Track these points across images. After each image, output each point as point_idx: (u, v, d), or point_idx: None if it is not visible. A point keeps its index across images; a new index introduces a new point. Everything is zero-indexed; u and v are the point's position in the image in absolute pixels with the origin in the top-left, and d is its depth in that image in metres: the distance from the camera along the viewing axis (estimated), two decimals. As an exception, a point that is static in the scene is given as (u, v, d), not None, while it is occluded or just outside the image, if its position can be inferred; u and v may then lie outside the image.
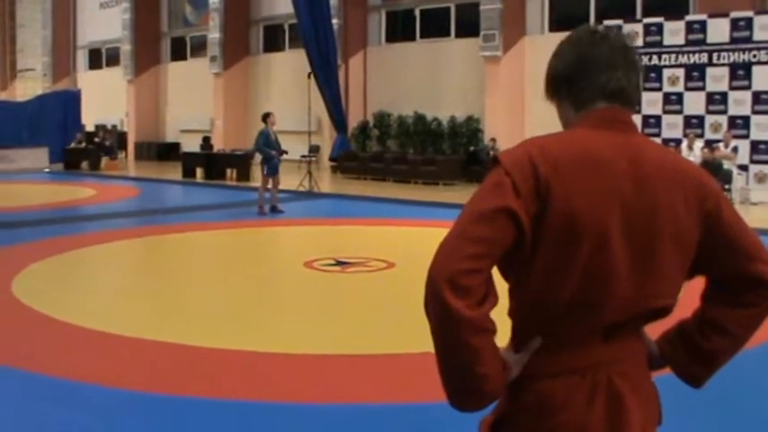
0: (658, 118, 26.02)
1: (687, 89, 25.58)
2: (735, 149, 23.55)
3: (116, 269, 15.38)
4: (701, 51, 25.30)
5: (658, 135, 25.41)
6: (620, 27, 26.39)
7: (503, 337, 2.62)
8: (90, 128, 44.70)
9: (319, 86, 33.53)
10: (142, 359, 8.97)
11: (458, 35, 34.58)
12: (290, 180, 26.65)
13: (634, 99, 2.75)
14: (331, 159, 35.55)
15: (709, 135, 24.89)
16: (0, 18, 60.84)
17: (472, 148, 31.72)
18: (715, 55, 25.02)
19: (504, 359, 2.59)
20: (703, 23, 25.27)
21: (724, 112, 24.88)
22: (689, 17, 26.23)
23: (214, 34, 41.98)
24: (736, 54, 24.64)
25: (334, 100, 34.88)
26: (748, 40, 24.38)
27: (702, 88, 25.29)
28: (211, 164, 33.52)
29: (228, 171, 33.07)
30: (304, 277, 13.73)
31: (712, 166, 21.55)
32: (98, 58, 53.64)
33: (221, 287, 13.18)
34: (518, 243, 2.51)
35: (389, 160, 32.40)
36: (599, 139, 2.62)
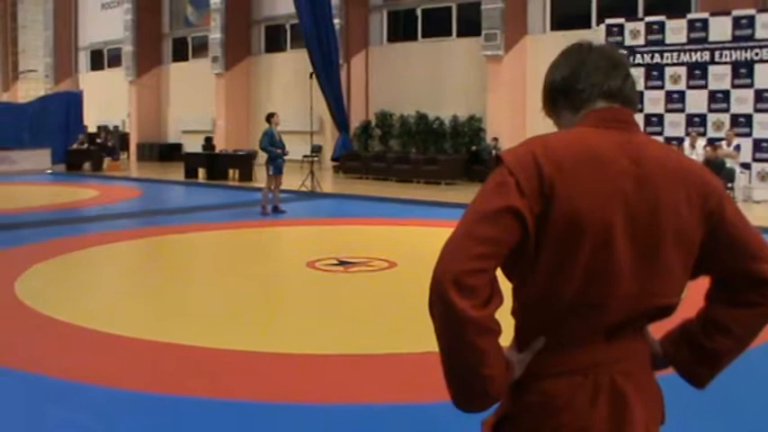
0: (660, 116, 26.00)
1: (689, 87, 25.57)
2: (737, 148, 23.54)
3: (118, 270, 15.39)
4: (703, 49, 25.28)
5: (661, 133, 25.40)
6: (621, 26, 26.48)
7: (506, 337, 2.61)
8: (92, 129, 44.73)
9: (321, 86, 33.52)
10: (144, 359, 8.97)
11: (459, 35, 34.60)
12: (292, 180, 26.63)
13: (632, 98, 2.78)
14: (333, 159, 35.55)
15: (711, 133, 24.88)
16: (2, 19, 60.86)
17: (474, 148, 31.72)
18: (717, 53, 25.01)
19: (507, 359, 2.58)
20: (705, 21, 25.26)
21: (726, 110, 24.87)
22: (691, 15, 26.23)
23: (215, 35, 41.98)
24: (738, 52, 24.62)
25: (336, 100, 34.88)
26: (750, 38, 24.37)
27: (705, 86, 25.28)
28: (213, 164, 33.52)
29: (231, 171, 33.05)
30: (307, 277, 13.73)
31: (715, 165, 21.53)
32: (100, 59, 53.67)
33: (224, 287, 13.18)
34: (522, 242, 2.51)
35: (391, 160, 32.40)
36: (601, 138, 2.63)
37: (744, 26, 24.47)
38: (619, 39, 26.57)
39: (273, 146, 21.80)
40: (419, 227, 19.41)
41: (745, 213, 2.80)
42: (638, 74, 25.70)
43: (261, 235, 19.25)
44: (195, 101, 44.83)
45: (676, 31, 25.77)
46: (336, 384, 8.12)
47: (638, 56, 26.33)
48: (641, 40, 26.38)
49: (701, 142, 23.94)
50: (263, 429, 7.00)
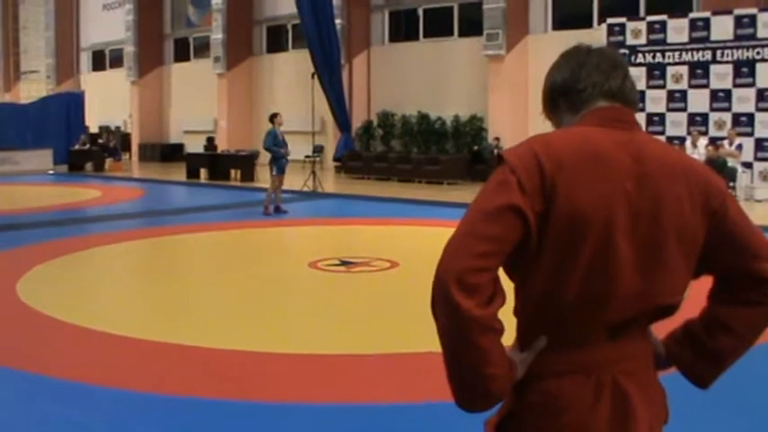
0: (662, 116, 26.00)
1: (691, 87, 25.56)
2: (739, 147, 23.54)
3: (121, 270, 15.39)
4: (704, 49, 25.28)
5: (662, 133, 25.39)
6: (623, 25, 26.48)
7: (509, 337, 2.62)
8: (94, 129, 44.79)
9: (323, 86, 33.53)
10: (150, 360, 8.97)
11: (461, 34, 34.61)
12: (294, 180, 26.64)
13: (633, 98, 2.79)
14: (335, 159, 35.56)
15: (713, 132, 24.87)
16: (3, 20, 60.91)
17: (476, 148, 31.72)
18: (719, 52, 25.00)
19: (510, 359, 2.59)
20: (707, 21, 25.25)
21: (728, 109, 24.86)
22: (692, 14, 26.22)
23: (217, 35, 41.97)
24: (740, 51, 24.62)
25: (338, 100, 34.86)
26: (752, 37, 24.36)
27: (706, 86, 25.27)
28: (215, 164, 33.55)
29: (233, 172, 33.07)
30: (309, 277, 13.74)
31: (716, 164, 21.54)
32: (101, 60, 53.71)
33: (226, 288, 13.19)
34: (524, 241, 2.51)
35: (393, 160, 32.40)
36: (602, 137, 2.63)
37: (745, 25, 24.46)
38: (620, 38, 26.57)
39: (277, 146, 21.80)
40: (421, 227, 19.40)
41: (747, 213, 2.80)
42: (639, 73, 25.73)
43: (263, 235, 19.25)
44: (197, 101, 44.83)
45: (678, 30, 25.77)
46: (338, 384, 8.12)
47: (640, 55, 26.33)
48: (643, 40, 26.38)
49: (703, 141, 23.94)
50: (267, 429, 7.00)
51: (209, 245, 17.97)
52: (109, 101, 49.21)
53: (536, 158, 2.54)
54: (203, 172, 33.87)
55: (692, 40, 25.48)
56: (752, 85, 24.43)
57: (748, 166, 24.10)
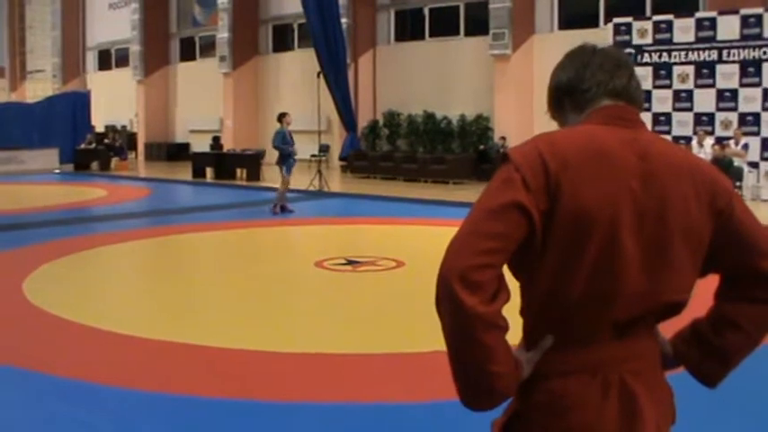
0: (668, 115, 25.98)
1: (697, 86, 25.54)
2: (745, 146, 23.51)
3: (127, 269, 15.41)
4: (710, 48, 25.25)
5: (668, 132, 25.38)
6: (629, 24, 26.47)
7: (514, 337, 2.61)
8: (100, 128, 44.82)
9: (329, 86, 33.53)
10: (156, 360, 8.98)
11: (467, 34, 34.60)
12: (300, 179, 26.64)
13: (638, 97, 2.80)
14: (341, 158, 35.56)
15: (719, 132, 24.84)
16: (9, 20, 61.00)
17: (482, 147, 31.73)
18: (725, 52, 24.97)
19: (516, 358, 2.59)
20: (713, 20, 25.22)
21: (734, 109, 24.83)
22: (699, 14, 26.20)
23: (223, 34, 41.99)
24: (747, 51, 24.59)
25: (344, 99, 34.87)
26: (758, 36, 24.32)
27: (712, 85, 25.24)
28: (221, 164, 33.58)
29: (238, 171, 33.12)
30: (315, 277, 13.74)
31: (723, 164, 21.50)
32: (107, 59, 53.76)
33: (232, 287, 13.20)
34: (529, 238, 2.51)
35: (399, 159, 32.39)
36: (607, 135, 2.64)
37: (752, 25, 24.43)
38: (626, 38, 26.56)
39: (286, 145, 21.82)
40: (427, 226, 19.40)
41: (754, 212, 2.80)
42: (645, 73, 25.72)
43: (269, 234, 19.25)
44: (203, 100, 44.86)
45: (684, 30, 25.74)
46: (344, 383, 8.12)
47: (646, 55, 26.31)
48: (649, 39, 26.35)
49: (709, 141, 23.92)
50: (272, 428, 7.00)
51: (214, 244, 17.97)
52: (115, 100, 49.25)
53: (541, 157, 2.54)
54: (209, 171, 33.90)
55: (698, 40, 25.45)
56: (758, 84, 24.40)
57: (754, 165, 24.07)
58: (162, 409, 7.52)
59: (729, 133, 24.28)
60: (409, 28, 37.07)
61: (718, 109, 25.13)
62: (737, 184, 22.05)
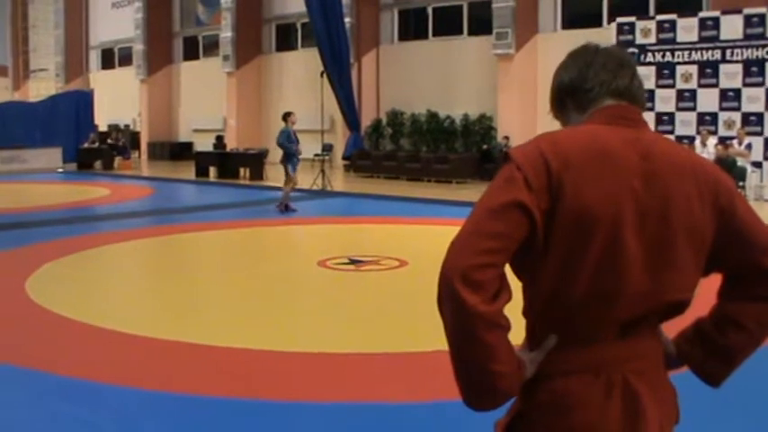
0: (671, 115, 25.98)
1: (700, 86, 25.54)
2: (748, 146, 23.51)
3: (130, 268, 15.42)
4: (714, 48, 25.25)
5: (672, 132, 25.38)
6: (632, 24, 26.47)
7: (517, 337, 2.61)
8: (103, 128, 44.84)
9: (332, 85, 33.52)
10: (159, 359, 8.98)
11: (470, 33, 34.61)
12: (303, 179, 26.60)
13: (640, 97, 2.80)
14: (344, 158, 35.57)
15: (722, 132, 24.85)
16: (12, 18, 60.99)
17: (485, 147, 31.73)
18: (728, 52, 24.97)
19: (519, 358, 2.58)
20: (716, 20, 25.22)
21: (737, 108, 24.84)
22: (702, 14, 26.20)
23: (226, 33, 42.00)
24: (750, 51, 24.58)
25: (347, 98, 34.86)
26: (762, 36, 24.32)
27: (716, 85, 25.25)
28: (224, 163, 33.61)
29: (242, 170, 33.11)
30: (318, 276, 13.74)
31: (726, 163, 21.51)
32: (110, 58, 53.76)
33: (235, 286, 13.20)
34: (531, 238, 2.51)
35: (402, 159, 32.41)
36: (610, 135, 2.64)
37: (755, 24, 24.43)
38: (630, 37, 26.57)
39: (290, 143, 21.83)
40: (430, 226, 19.40)
41: (757, 212, 2.80)
42: (648, 72, 25.74)
43: (272, 234, 19.26)
44: (206, 99, 44.87)
45: (687, 29, 25.75)
46: (347, 383, 8.12)
47: (649, 54, 26.31)
48: (652, 39, 26.36)
49: (713, 141, 23.93)
50: (275, 427, 7.00)
51: (218, 243, 17.97)
52: (118, 99, 49.28)
53: (543, 156, 2.54)
54: (212, 170, 33.90)
55: (701, 40, 25.46)
56: (761, 84, 24.40)
57: (758, 165, 24.06)
58: (164, 409, 7.53)
59: (732, 133, 24.29)
60: (412, 27, 37.07)
61: (722, 109, 25.14)
62: (741, 183, 22.03)
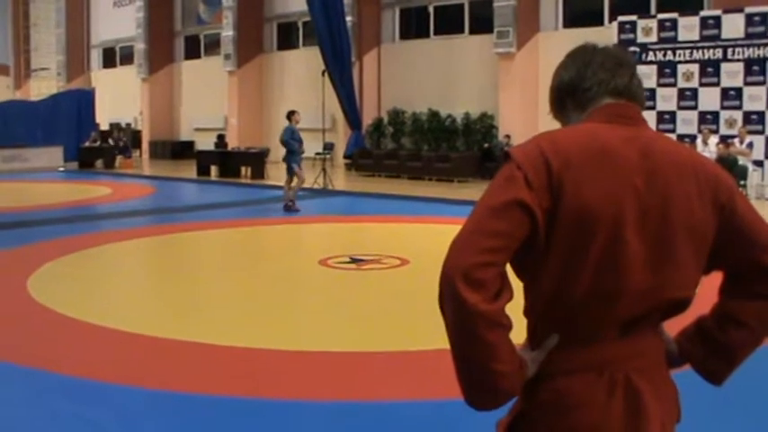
0: (673, 114, 25.97)
1: (702, 85, 25.54)
2: (750, 145, 23.49)
3: (132, 267, 15.42)
4: (715, 47, 25.25)
5: (673, 131, 25.37)
6: (634, 23, 26.47)
7: (518, 336, 2.61)
8: (104, 127, 44.84)
9: (333, 84, 33.55)
10: (160, 357, 8.99)
11: (472, 32, 34.58)
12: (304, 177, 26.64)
13: (639, 96, 2.80)
14: (345, 157, 35.58)
15: (723, 131, 24.84)
16: (14, 17, 61.00)
17: (486, 145, 31.72)
18: (730, 50, 24.97)
19: (520, 357, 2.58)
20: (718, 19, 25.21)
21: (739, 107, 24.83)
22: (703, 12, 26.20)
23: (228, 32, 41.99)
24: (751, 49, 24.58)
25: (349, 97, 34.86)
26: (763, 35, 24.31)
27: (717, 84, 25.24)
28: (226, 162, 33.63)
29: (243, 169, 33.15)
30: (319, 275, 13.74)
31: (727, 162, 21.50)
32: (112, 57, 53.75)
33: (236, 285, 13.20)
34: (532, 237, 2.51)
35: (404, 157, 32.42)
36: (609, 133, 2.64)
37: (756, 23, 24.42)
38: (631, 36, 26.56)
39: (294, 141, 21.85)
40: (431, 224, 19.41)
41: (758, 211, 2.80)
42: (650, 71, 25.75)
43: (273, 232, 19.27)
44: (207, 98, 44.87)
45: (689, 28, 25.74)
46: (348, 382, 8.12)
47: (651, 53, 26.31)
48: (654, 38, 26.36)
49: (714, 139, 23.93)
50: (276, 426, 7.00)
51: (219, 242, 17.97)
52: (119, 98, 49.29)
53: (543, 155, 2.54)
54: (214, 169, 33.93)
55: (702, 38, 25.45)
56: (763, 83, 24.39)
57: (759, 164, 24.06)
58: (166, 407, 7.53)
59: (734, 132, 24.29)
60: (414, 26, 37.05)
61: (723, 107, 25.13)
62: (742, 182, 22.03)
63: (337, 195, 26.65)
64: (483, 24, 33.05)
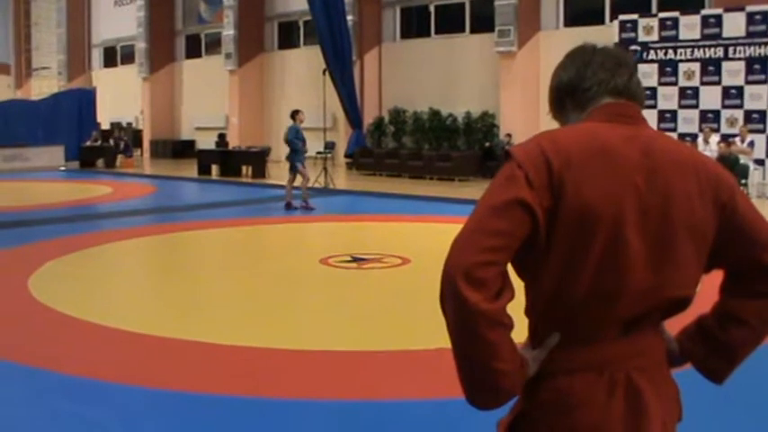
0: (674, 112, 25.98)
1: (703, 84, 25.54)
2: (751, 144, 23.48)
3: (133, 267, 15.43)
4: (716, 46, 25.25)
5: (674, 130, 25.38)
6: (635, 21, 26.47)
7: (520, 336, 2.61)
8: (105, 126, 44.85)
9: (334, 83, 33.57)
10: (159, 357, 8.98)
11: (473, 31, 34.59)
12: (305, 177, 26.67)
13: (639, 94, 2.80)
14: (346, 156, 35.59)
15: (725, 129, 24.85)
16: (15, 17, 61.03)
17: (487, 144, 31.72)
18: (731, 49, 24.97)
19: (521, 356, 2.58)
20: (719, 18, 25.21)
21: (740, 106, 24.84)
22: (704, 11, 26.20)
23: (229, 31, 41.99)
24: (752, 48, 24.58)
25: (350, 96, 34.88)
26: (764, 34, 24.32)
27: (718, 83, 25.25)
28: (227, 161, 33.64)
29: (244, 168, 33.15)
30: (320, 274, 13.73)
31: (728, 161, 21.50)
32: (113, 56, 53.76)
33: (237, 284, 13.20)
34: (533, 236, 2.51)
35: (405, 156, 32.42)
36: (610, 132, 2.64)
37: (757, 22, 24.42)
38: (632, 35, 26.58)
39: (298, 140, 21.87)
40: (432, 223, 19.41)
41: (760, 209, 2.80)
42: (651, 70, 25.78)
43: (274, 231, 19.27)
44: (208, 97, 44.88)
45: (690, 27, 25.74)
46: (348, 381, 8.12)
47: (652, 52, 26.31)
48: (655, 36, 26.36)
49: (715, 138, 23.93)
50: (277, 425, 7.00)
51: (220, 241, 17.98)
52: (120, 97, 49.30)
53: (543, 154, 2.54)
54: (215, 168, 33.95)
55: (704, 37, 25.46)
56: (764, 81, 24.40)
57: (760, 163, 24.05)
58: (167, 406, 7.53)
59: (735, 130, 24.30)
60: (415, 25, 37.06)
61: (724, 106, 25.15)
62: (743, 181, 22.03)
63: (338, 194, 26.65)
64: (484, 23, 33.06)
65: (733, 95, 24.93)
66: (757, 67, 24.48)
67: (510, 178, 2.52)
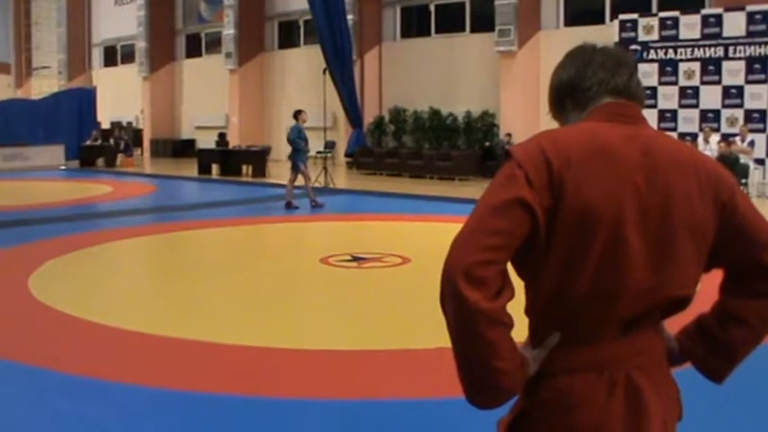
0: (674, 112, 25.97)
1: (703, 83, 25.54)
2: (751, 143, 23.47)
3: (133, 266, 15.43)
4: (716, 45, 25.25)
5: (674, 129, 25.38)
6: (635, 21, 26.47)
7: (520, 335, 2.61)
8: (105, 125, 44.85)
9: (334, 82, 33.57)
10: (159, 356, 8.98)
11: (473, 30, 34.59)
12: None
13: (639, 94, 2.80)
14: (347, 155, 35.60)
15: (725, 129, 24.85)
16: (15, 16, 61.03)
17: (488, 144, 31.73)
18: (731, 49, 24.97)
19: (521, 355, 2.58)
20: (719, 17, 25.21)
21: (740, 105, 24.84)
22: (705, 11, 26.20)
23: (229, 30, 41.99)
24: (753, 48, 24.58)
25: (350, 96, 34.87)
26: (764, 33, 24.31)
27: (718, 82, 25.25)
28: (227, 160, 33.65)
29: (244, 167, 33.14)
30: (320, 273, 13.73)
31: (729, 161, 21.49)
32: (113, 56, 53.76)
33: (237, 283, 13.19)
34: (533, 235, 2.51)
35: (405, 156, 32.42)
36: (609, 132, 2.64)
37: (758, 21, 24.42)
38: (632, 34, 26.58)
39: (300, 140, 21.89)
40: (432, 223, 19.41)
41: (760, 210, 2.80)
42: (651, 69, 25.78)
43: (274, 231, 19.27)
44: (208, 97, 44.88)
45: (690, 26, 25.74)
46: (349, 380, 8.12)
47: (652, 51, 26.31)
48: (655, 36, 26.36)
49: (715, 138, 23.93)
50: (277, 424, 7.00)
51: (220, 240, 17.98)
52: (120, 96, 49.29)
53: (543, 154, 2.54)
54: (215, 168, 33.96)
55: (704, 37, 25.45)
56: (764, 81, 24.40)
57: (761, 162, 24.05)
58: (167, 406, 7.53)
59: (735, 130, 24.29)
60: (415, 24, 37.06)
61: (724, 106, 25.14)
62: (743, 181, 22.02)
63: (338, 194, 26.63)
64: (484, 23, 33.06)
65: (733, 95, 24.93)
66: (757, 66, 24.48)
67: (510, 178, 2.52)
